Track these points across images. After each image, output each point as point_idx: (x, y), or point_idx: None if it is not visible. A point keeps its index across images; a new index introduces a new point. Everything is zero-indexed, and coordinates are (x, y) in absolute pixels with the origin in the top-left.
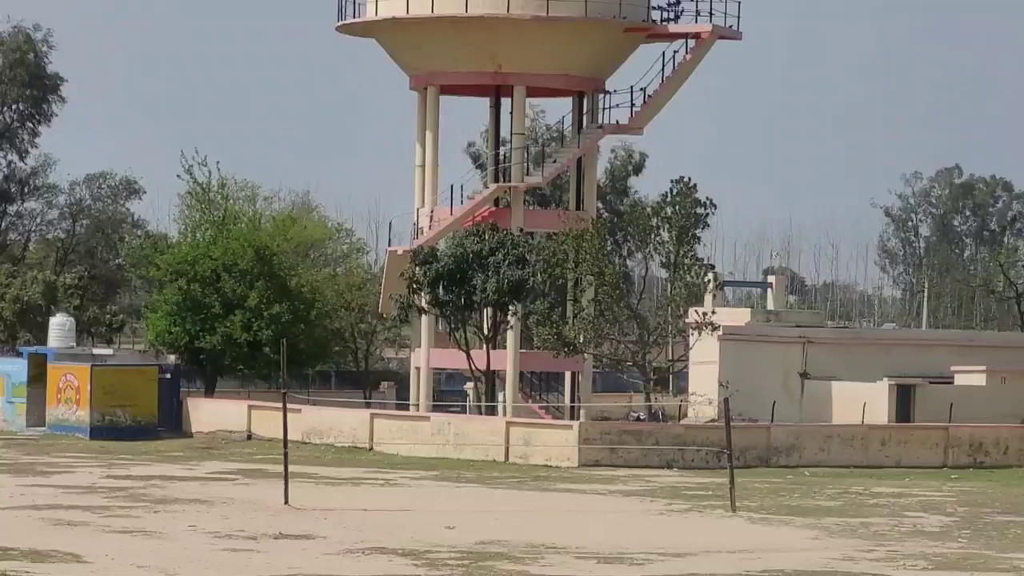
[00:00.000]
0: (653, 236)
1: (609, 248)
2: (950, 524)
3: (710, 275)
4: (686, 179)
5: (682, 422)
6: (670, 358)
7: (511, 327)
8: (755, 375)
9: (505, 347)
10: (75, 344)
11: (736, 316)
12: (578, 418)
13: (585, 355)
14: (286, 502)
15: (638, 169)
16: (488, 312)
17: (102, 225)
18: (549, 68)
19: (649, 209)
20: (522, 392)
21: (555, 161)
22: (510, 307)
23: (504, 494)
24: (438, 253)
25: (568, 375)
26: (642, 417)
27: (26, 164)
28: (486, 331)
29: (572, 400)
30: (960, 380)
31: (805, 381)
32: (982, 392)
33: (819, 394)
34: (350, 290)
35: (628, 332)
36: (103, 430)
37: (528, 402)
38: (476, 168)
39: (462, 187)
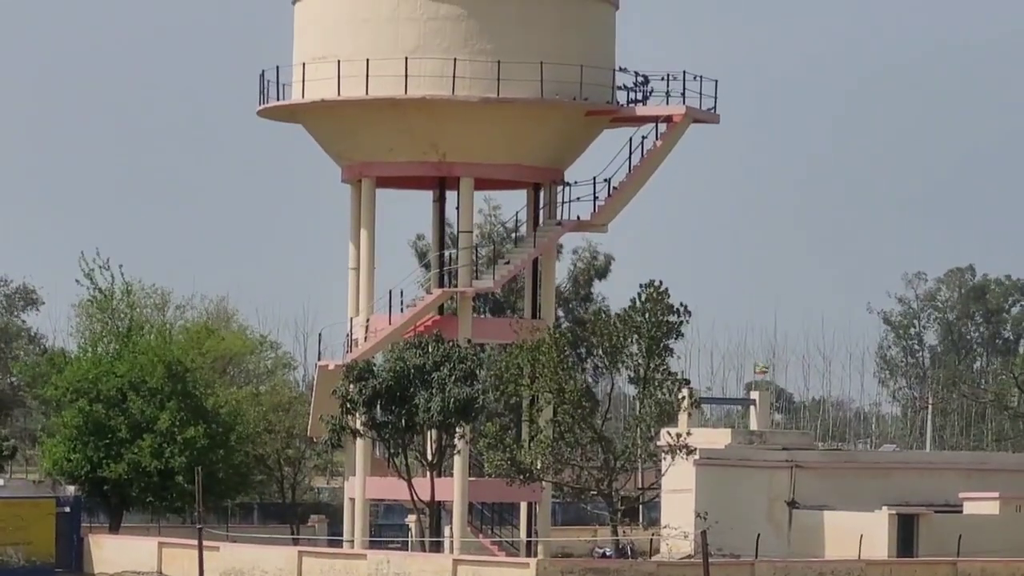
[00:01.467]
0: (620, 348)
1: (570, 362)
2: None
3: (684, 391)
4: (656, 283)
5: (654, 559)
6: (640, 486)
7: (458, 452)
8: (737, 504)
9: (452, 475)
10: None
11: (715, 438)
12: (535, 555)
13: (543, 483)
14: None
15: (602, 272)
16: (432, 435)
17: None
18: (500, 157)
19: (615, 317)
20: (471, 526)
21: (508, 263)
22: (457, 429)
23: None
24: (375, 368)
25: (524, 506)
26: (609, 553)
27: None
28: (430, 456)
29: (528, 534)
30: (970, 508)
31: (793, 511)
32: (995, 522)
33: (810, 525)
34: (275, 411)
35: (592, 456)
36: None
37: (478, 537)
38: (423, 267)
39: (402, 292)
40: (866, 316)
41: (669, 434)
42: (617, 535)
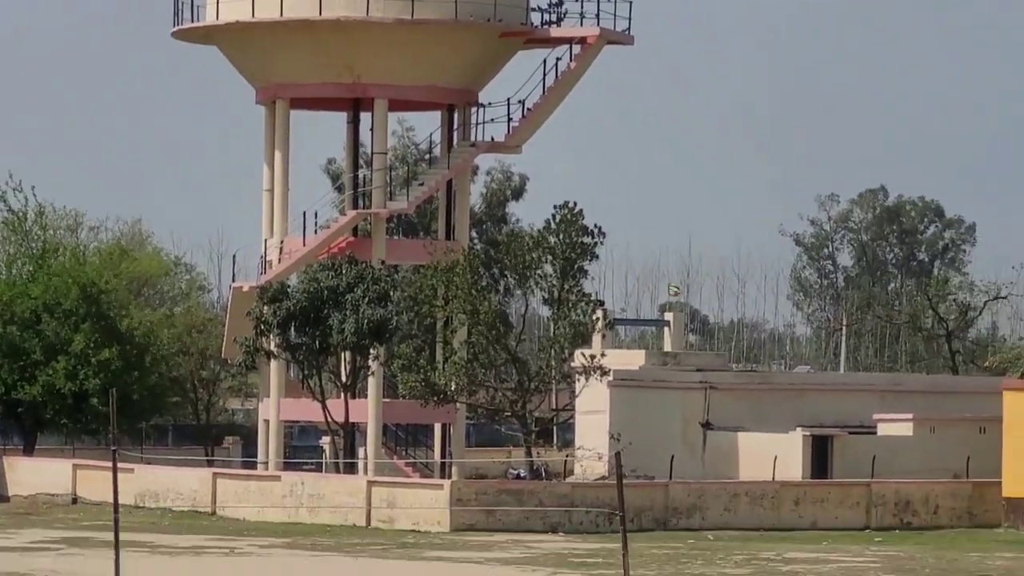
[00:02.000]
0: (534, 269)
1: (484, 283)
2: None
3: (599, 313)
4: (571, 204)
5: (568, 480)
6: (554, 407)
7: (372, 373)
8: (651, 426)
9: (366, 396)
10: None
11: (629, 359)
12: (449, 476)
13: (457, 404)
14: (117, 575)
15: (517, 193)
16: (346, 356)
17: None
18: (414, 78)
19: (529, 239)
20: (385, 447)
21: (422, 184)
22: (371, 350)
23: (366, 564)
24: (289, 290)
25: (438, 428)
26: (523, 475)
27: None
28: (344, 378)
29: (443, 456)
30: (884, 430)
31: (708, 432)
32: (909, 443)
33: (724, 447)
34: (189, 333)
35: (506, 378)
36: None
37: (393, 458)
38: (336, 190)
39: (316, 214)
40: (780, 239)
41: (583, 355)
42: (531, 457)
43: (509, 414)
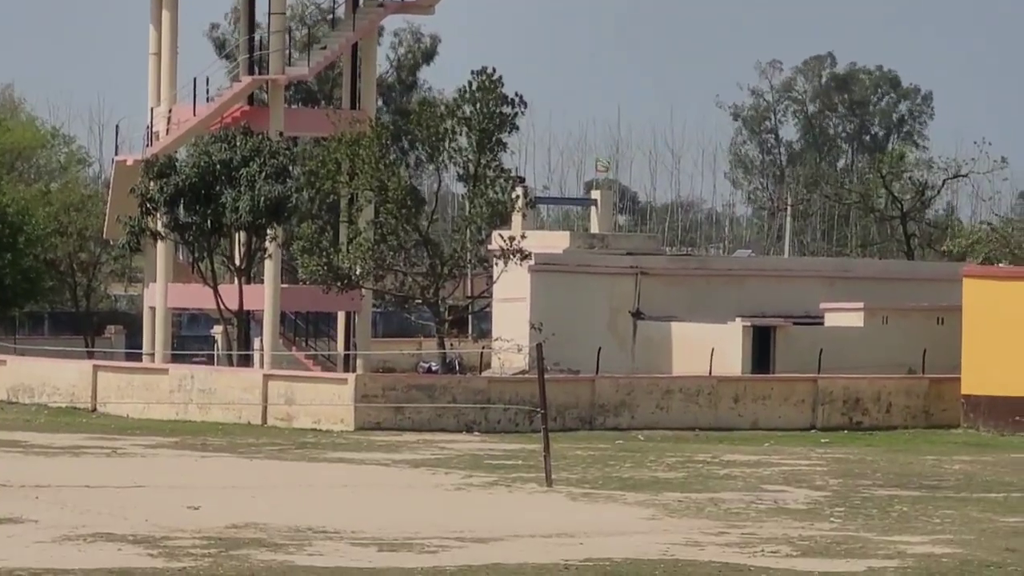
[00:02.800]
0: (448, 142)
1: (393, 157)
2: (820, 500)
3: (518, 190)
4: (488, 70)
5: (484, 374)
6: (469, 294)
7: (269, 256)
8: (576, 315)
9: (262, 281)
10: None
11: (552, 241)
12: (354, 370)
13: (363, 291)
14: None
15: (428, 57)
16: (240, 237)
17: None
18: None
19: (443, 108)
20: (284, 338)
21: (324, 48)
22: (268, 231)
23: (262, 466)
24: (177, 164)
25: (341, 316)
26: (435, 368)
27: None
28: (238, 261)
29: (347, 347)
30: (832, 320)
31: (638, 322)
32: (859, 335)
33: (656, 338)
34: (67, 211)
35: (417, 262)
36: None
37: (292, 350)
38: (223, 58)
39: (208, 81)
40: (716, 111)
41: (501, 237)
42: (444, 348)
43: (420, 301)
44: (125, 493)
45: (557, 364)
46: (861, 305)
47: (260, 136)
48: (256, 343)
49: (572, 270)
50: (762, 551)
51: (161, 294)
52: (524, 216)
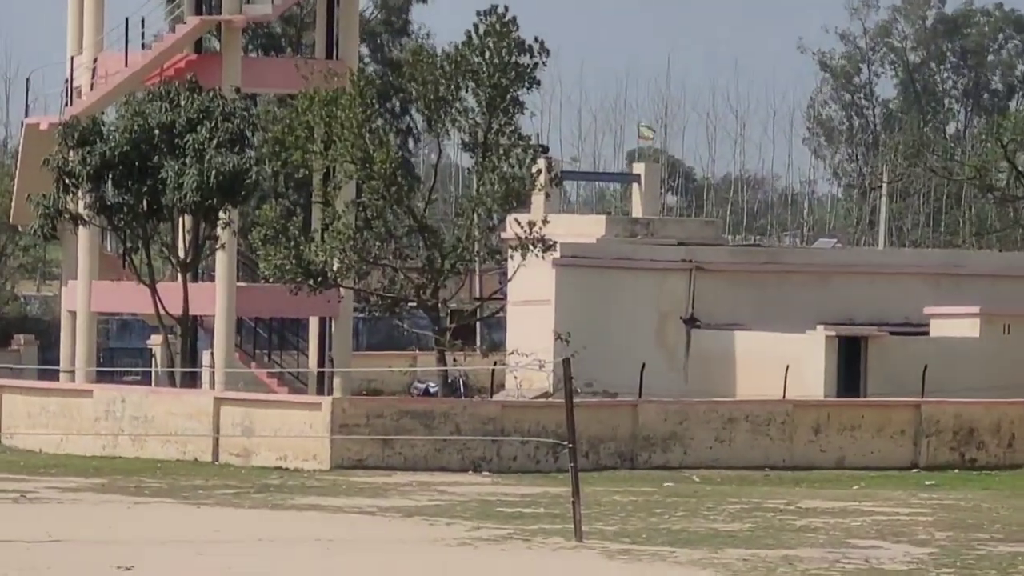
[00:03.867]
0: (450, 101)
1: (380, 121)
2: (923, 559)
3: (540, 163)
4: (500, 9)
5: (496, 398)
6: (477, 295)
7: (222, 246)
8: (613, 322)
9: (213, 279)
10: None
11: (583, 228)
12: (330, 392)
13: (342, 291)
14: None
15: None
16: (185, 222)
17: None
18: None
19: (443, 57)
20: (240, 351)
21: None
22: (220, 214)
23: (212, 515)
24: (105, 129)
25: (314, 324)
26: (433, 390)
27: None
28: (182, 253)
29: (321, 363)
30: (939, 329)
31: (693, 332)
32: (974, 348)
33: (715, 352)
34: None
35: (410, 254)
36: None
37: (251, 366)
38: None
39: (143, 23)
40: (796, 58)
41: (518, 223)
42: (445, 364)
43: (414, 304)
44: (37, 550)
45: (590, 385)
46: (977, 310)
47: (210, 93)
48: (205, 358)
49: (609, 265)
50: None
51: (83, 295)
52: (547, 196)
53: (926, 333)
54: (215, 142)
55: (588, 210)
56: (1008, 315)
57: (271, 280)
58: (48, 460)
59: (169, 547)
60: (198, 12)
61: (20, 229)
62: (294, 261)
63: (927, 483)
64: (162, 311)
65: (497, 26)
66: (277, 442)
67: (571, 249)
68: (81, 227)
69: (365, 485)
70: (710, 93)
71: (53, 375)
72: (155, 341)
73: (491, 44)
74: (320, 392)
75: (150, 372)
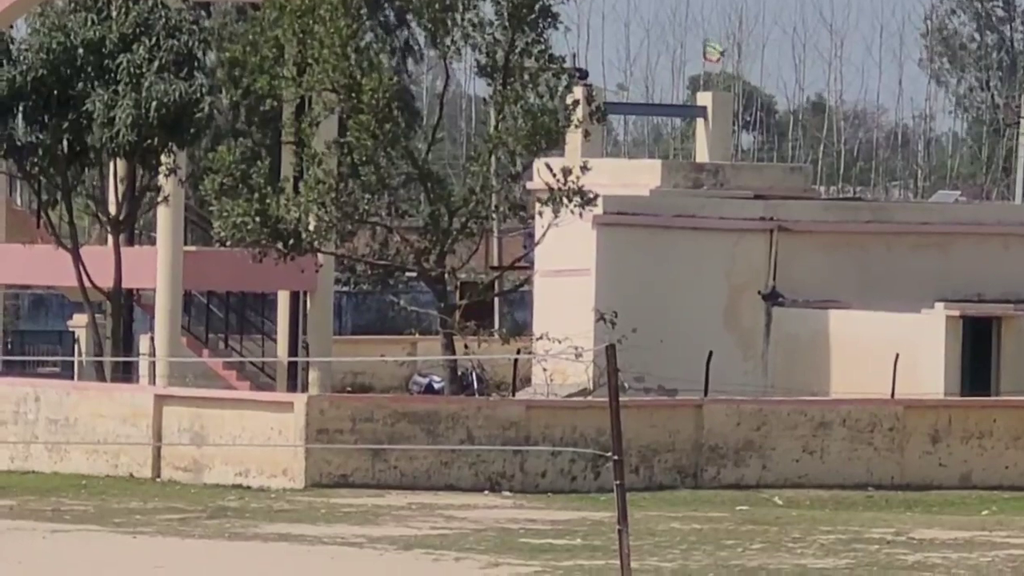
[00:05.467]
0: (461, 12)
1: (370, 37)
2: None
3: (578, 92)
4: None
5: (520, 395)
6: (495, 263)
7: (165, 200)
8: (671, 298)
9: (153, 241)
10: None
11: (633, 176)
12: (305, 388)
13: (319, 258)
14: None
15: None
16: (118, 169)
17: None
18: None
19: None
20: (189, 335)
21: None
22: (163, 158)
23: (151, 546)
24: (14, 48)
25: (284, 300)
26: (438, 385)
27: None
28: (113, 208)
29: (293, 351)
30: None
31: (774, 310)
32: None
33: (803, 337)
34: None
35: (409, 210)
36: None
37: (203, 355)
38: None
39: None
40: None
41: (549, 169)
42: (454, 352)
43: (414, 275)
44: None
45: (641, 380)
46: None
47: (150, 2)
48: (143, 343)
49: (666, 224)
50: None
51: None
52: (587, 134)
53: None
54: (156, 65)
55: (640, 153)
56: None
57: (229, 244)
58: None
59: None
60: None
61: None
62: (258, 219)
63: None
64: (88, 283)
65: None
66: (236, 453)
67: (617, 203)
68: None
69: (350, 508)
70: (796, 2)
71: None
72: (78, 322)
73: None
74: (292, 388)
75: (72, 362)
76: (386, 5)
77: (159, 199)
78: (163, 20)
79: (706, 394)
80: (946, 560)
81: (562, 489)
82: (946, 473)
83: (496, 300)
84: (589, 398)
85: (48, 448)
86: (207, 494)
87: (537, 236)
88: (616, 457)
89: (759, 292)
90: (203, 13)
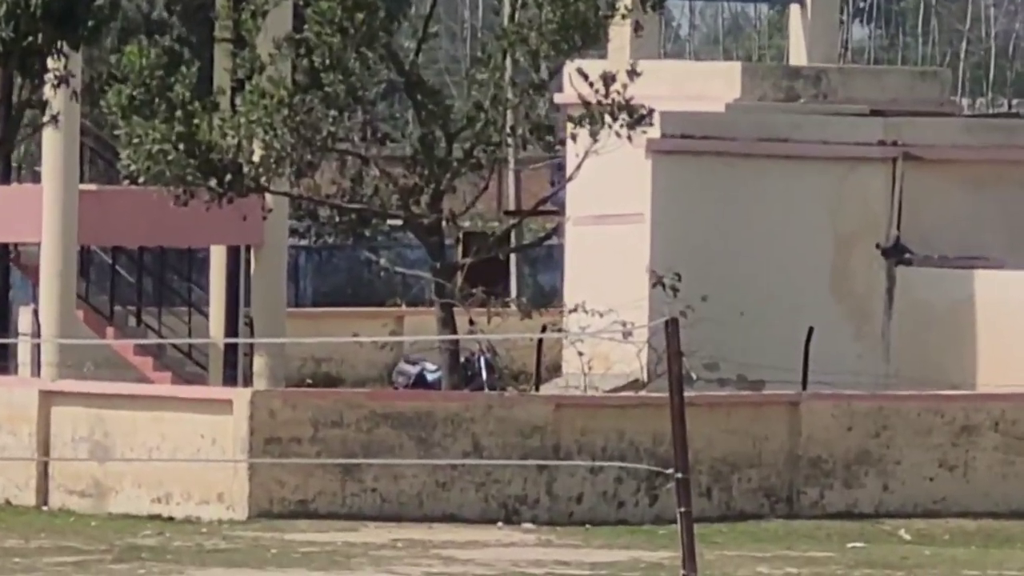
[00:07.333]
0: None
1: None
2: None
3: None
4: None
5: (545, 389)
6: (510, 207)
7: (54, 119)
8: (755, 255)
9: (37, 178)
10: None
11: (700, 86)
12: (249, 380)
13: (268, 200)
14: None
15: None
16: None
17: None
18: None
19: None
20: (87, 308)
21: None
22: (50, 61)
23: None
24: None
25: (219, 259)
26: (431, 376)
27: None
28: None
29: (232, 328)
30: None
31: (899, 270)
32: None
33: (938, 307)
34: None
35: (392, 133)
36: None
37: (106, 335)
38: None
39: None
40: None
41: (584, 76)
42: (454, 330)
43: (399, 222)
44: None
45: (714, 367)
46: None
47: None
48: (22, 319)
49: (747, 151)
50: None
51: None
52: (638, 27)
53: None
54: None
55: (712, 54)
56: None
57: (142, 180)
58: None
59: None
60: None
61: None
62: (182, 146)
63: None
64: None
65: None
66: (153, 471)
67: (681, 123)
68: None
69: (312, 547)
70: None
71: None
72: None
73: None
74: (231, 381)
75: None
76: None
77: (44, 119)
78: None
79: (804, 387)
80: None
81: (605, 519)
82: None
83: (513, 258)
84: (642, 393)
85: None
86: (113, 528)
87: (569, 169)
88: (680, 475)
89: (877, 245)
90: None
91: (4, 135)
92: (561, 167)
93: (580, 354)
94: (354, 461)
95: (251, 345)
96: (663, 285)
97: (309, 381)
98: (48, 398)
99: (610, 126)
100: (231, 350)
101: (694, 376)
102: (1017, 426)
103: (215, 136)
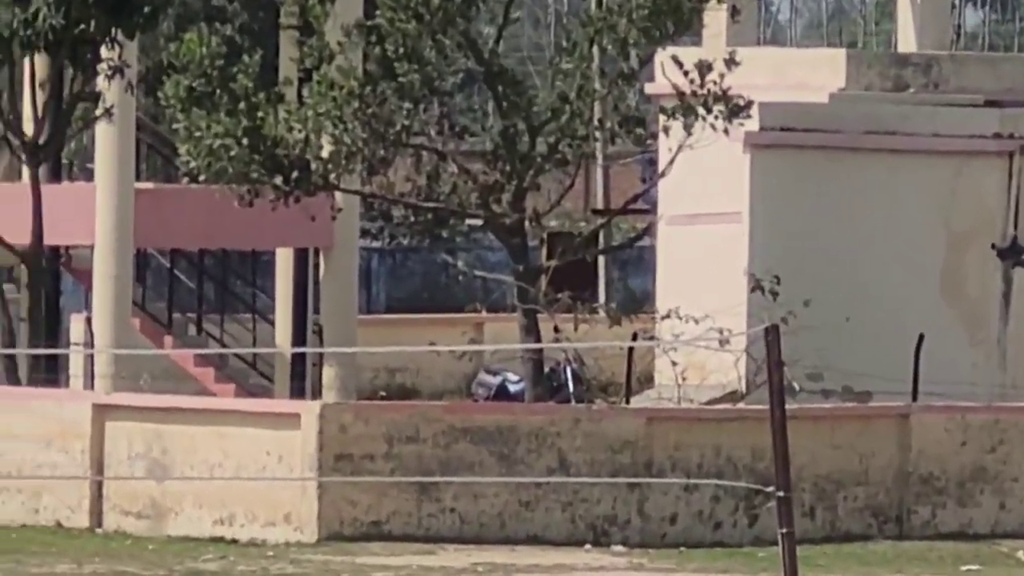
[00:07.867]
0: None
1: None
2: None
3: None
4: None
5: (637, 401)
6: (597, 205)
7: (107, 112)
8: (861, 256)
9: (90, 176)
10: None
11: (802, 75)
12: (318, 393)
13: (339, 199)
14: None
15: None
16: (36, 69)
17: None
18: None
19: None
20: (144, 316)
21: None
22: (104, 51)
23: None
24: None
25: (285, 263)
26: (515, 387)
27: None
28: (31, 129)
29: (299, 337)
30: None
31: (1016, 271)
32: None
33: None
34: None
35: (471, 127)
36: None
37: (164, 344)
38: None
39: None
40: None
41: (679, 64)
42: (538, 338)
43: (479, 223)
44: None
45: (818, 377)
46: None
47: None
48: (74, 327)
49: (852, 144)
50: None
51: None
52: (735, 12)
53: None
54: None
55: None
56: None
57: (203, 178)
58: None
59: None
60: None
61: None
62: (246, 141)
63: None
64: None
65: None
66: (216, 490)
67: (781, 114)
68: None
69: (385, 572)
70: None
71: None
72: None
73: None
74: (298, 394)
75: None
76: None
77: (97, 113)
78: None
79: (915, 398)
80: None
81: (701, 541)
82: None
83: (601, 260)
84: (740, 405)
85: None
86: (172, 552)
87: (661, 164)
88: (781, 493)
89: (992, 245)
90: None
91: (54, 130)
92: (653, 162)
93: (674, 364)
94: (431, 479)
95: (320, 355)
96: (762, 289)
97: (382, 393)
98: (102, 412)
99: (705, 118)
100: (299, 360)
101: (796, 387)
102: None
103: (281, 130)
